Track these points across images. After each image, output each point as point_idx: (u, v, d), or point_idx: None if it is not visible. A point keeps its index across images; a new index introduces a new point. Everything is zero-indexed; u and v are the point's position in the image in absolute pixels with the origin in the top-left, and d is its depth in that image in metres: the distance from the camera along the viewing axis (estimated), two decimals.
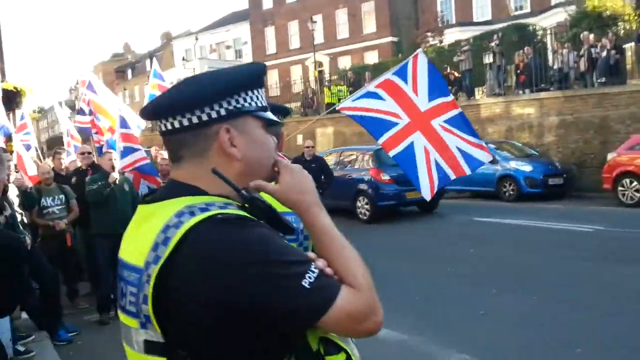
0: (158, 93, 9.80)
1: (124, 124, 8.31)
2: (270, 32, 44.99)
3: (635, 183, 12.79)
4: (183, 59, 47.45)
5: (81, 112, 10.13)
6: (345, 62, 38.80)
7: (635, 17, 25.67)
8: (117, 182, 7.20)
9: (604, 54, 15.76)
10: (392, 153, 5.66)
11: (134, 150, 8.27)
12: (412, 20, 38.57)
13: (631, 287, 6.81)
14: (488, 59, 18.76)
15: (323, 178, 10.45)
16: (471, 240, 10.25)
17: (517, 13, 35.61)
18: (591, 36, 16.72)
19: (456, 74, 20.51)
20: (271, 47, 44.94)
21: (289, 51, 43.36)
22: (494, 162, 14.58)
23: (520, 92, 18.19)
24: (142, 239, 1.14)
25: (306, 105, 27.18)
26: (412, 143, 5.56)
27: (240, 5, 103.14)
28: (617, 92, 15.50)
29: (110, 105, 9.45)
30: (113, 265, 6.14)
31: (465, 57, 19.47)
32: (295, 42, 43.45)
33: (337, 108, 6.16)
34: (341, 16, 40.87)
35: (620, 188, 13.06)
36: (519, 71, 18.18)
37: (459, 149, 5.51)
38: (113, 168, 7.20)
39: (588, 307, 6.19)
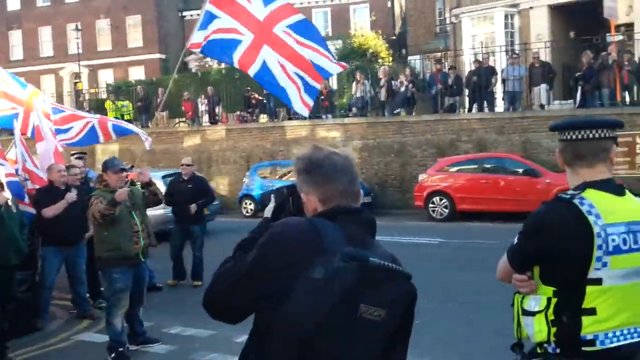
0: None
1: None
2: (16, 36, 40.10)
3: (444, 200, 14.71)
4: None
5: None
6: (106, 75, 36.58)
7: (389, 56, 29.36)
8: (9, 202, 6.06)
9: (402, 88, 17.81)
10: (251, 72, 5.48)
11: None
12: (180, 39, 38.11)
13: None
14: None
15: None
16: None
17: None
18: (386, 69, 18.77)
19: (257, 96, 21.03)
20: (17, 53, 40.07)
21: (39, 59, 39.18)
22: None
23: (324, 116, 19.44)
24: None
25: None
26: (264, 61, 5.40)
27: None
28: (414, 120, 17.66)
29: None
30: None
31: None
32: (47, 50, 39.44)
33: (187, 46, 5.88)
34: (103, 27, 38.43)
35: (431, 205, 14.88)
36: (322, 97, 19.40)
37: (311, 61, 5.45)
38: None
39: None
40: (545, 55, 17.10)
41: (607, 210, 2.20)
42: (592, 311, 2.21)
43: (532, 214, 2.37)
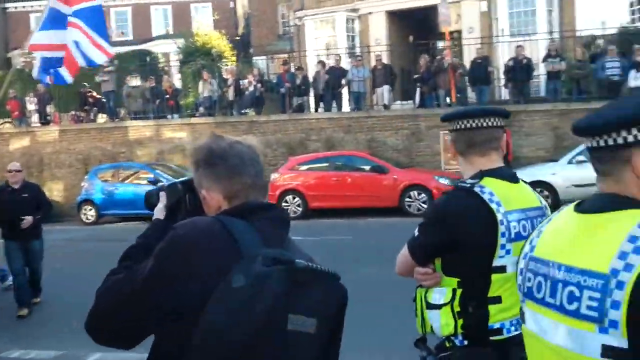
0: None
1: None
2: None
3: (297, 199, 14.77)
4: None
5: None
6: None
7: (234, 57, 29.17)
8: None
9: (251, 88, 17.62)
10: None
11: None
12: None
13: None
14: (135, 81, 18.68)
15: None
16: None
17: (119, 39, 35.75)
18: (233, 69, 18.48)
19: (95, 94, 19.66)
20: None
21: None
22: (156, 182, 14.64)
23: (169, 116, 18.67)
24: (600, 247, 1.21)
25: None
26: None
27: None
28: (264, 120, 17.55)
29: None
30: None
31: (109, 78, 18.85)
32: None
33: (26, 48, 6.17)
34: None
35: (284, 204, 14.85)
36: (167, 96, 18.62)
37: (75, 43, 5.57)
38: None
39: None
40: (386, 58, 17.89)
41: (505, 198, 2.20)
42: (497, 299, 2.19)
43: (434, 204, 2.36)
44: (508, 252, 2.16)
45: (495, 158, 2.31)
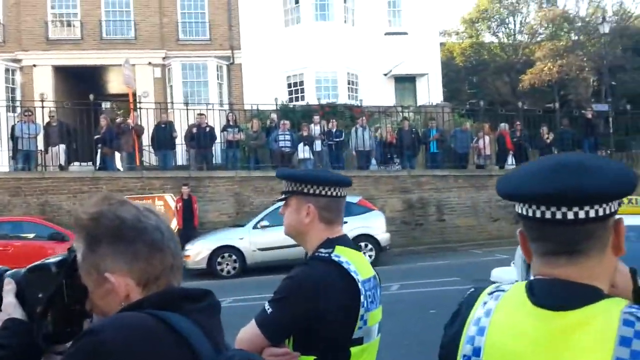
0: None
1: None
2: None
3: None
4: None
5: None
6: None
7: None
8: None
9: None
10: None
11: None
12: None
13: None
14: None
15: None
16: None
17: None
18: None
19: None
20: None
21: None
22: None
23: None
24: (585, 355, 1.02)
25: None
26: None
27: None
28: None
29: None
30: None
31: None
32: None
33: None
34: None
35: None
36: None
37: None
38: None
39: None
40: (60, 115, 16.51)
41: (359, 266, 2.13)
42: None
43: (290, 276, 2.10)
44: (365, 322, 2.09)
45: (340, 227, 2.25)
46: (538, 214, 1.08)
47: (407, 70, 23.71)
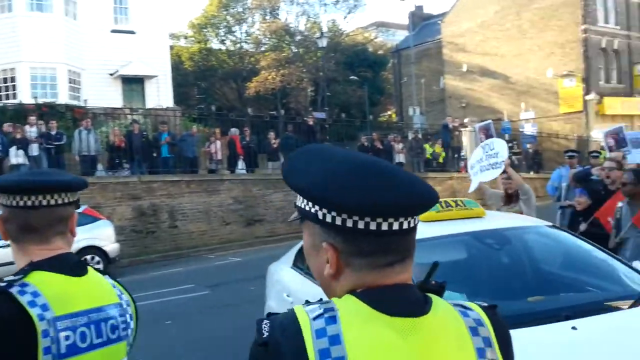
0: None
1: None
2: None
3: None
4: None
5: None
6: None
7: None
8: None
9: None
10: None
11: None
12: None
13: None
14: None
15: None
16: None
17: None
18: None
19: None
20: None
21: None
22: None
23: None
24: (455, 354, 1.04)
25: None
26: None
27: None
28: None
29: None
30: None
31: None
32: None
33: None
34: None
35: None
36: None
37: None
38: None
39: None
40: None
41: (58, 298, 1.67)
42: None
43: None
44: None
45: (59, 244, 1.79)
46: (384, 227, 1.04)
47: (136, 71, 22.83)
